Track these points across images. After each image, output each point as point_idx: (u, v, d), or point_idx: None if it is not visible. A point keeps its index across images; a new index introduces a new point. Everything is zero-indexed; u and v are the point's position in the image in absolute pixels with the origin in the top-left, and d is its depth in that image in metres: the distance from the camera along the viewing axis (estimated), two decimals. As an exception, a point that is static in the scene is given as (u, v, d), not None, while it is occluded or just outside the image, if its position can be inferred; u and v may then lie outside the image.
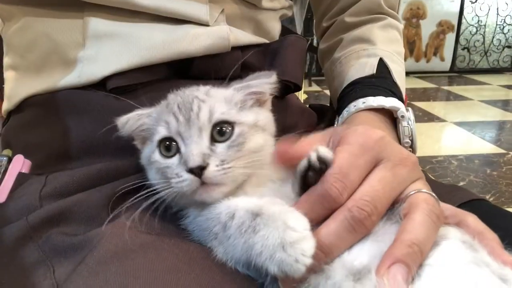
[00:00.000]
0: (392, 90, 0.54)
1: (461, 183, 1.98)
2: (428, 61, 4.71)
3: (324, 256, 0.29)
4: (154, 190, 0.34)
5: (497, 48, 4.76)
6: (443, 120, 3.02)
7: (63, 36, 0.44)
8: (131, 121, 0.37)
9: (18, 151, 0.45)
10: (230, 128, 0.35)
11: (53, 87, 0.44)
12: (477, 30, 4.68)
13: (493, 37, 4.71)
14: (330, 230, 0.30)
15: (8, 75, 0.49)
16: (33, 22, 0.45)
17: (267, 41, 0.55)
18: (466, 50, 4.75)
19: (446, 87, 4.19)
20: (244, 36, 0.50)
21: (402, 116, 0.49)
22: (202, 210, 0.33)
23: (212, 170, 0.32)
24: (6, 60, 0.50)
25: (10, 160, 0.42)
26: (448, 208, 0.34)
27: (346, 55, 0.61)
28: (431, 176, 0.54)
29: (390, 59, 0.58)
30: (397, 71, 0.58)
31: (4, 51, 0.51)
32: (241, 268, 0.31)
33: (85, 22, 0.43)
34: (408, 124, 0.49)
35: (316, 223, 0.30)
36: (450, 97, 3.82)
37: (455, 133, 2.78)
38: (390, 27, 0.64)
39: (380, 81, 0.55)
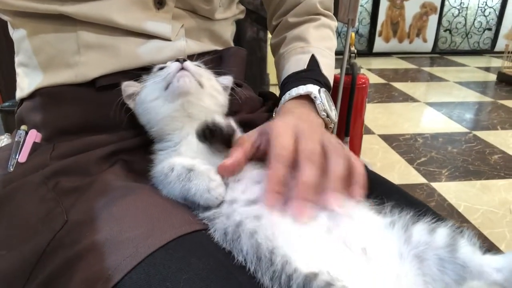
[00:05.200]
0: (317, 79, 0.69)
1: (422, 159, 2.17)
2: (411, 42, 4.84)
3: (311, 189, 0.43)
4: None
5: (478, 30, 4.90)
6: (417, 101, 3.19)
7: (63, 44, 0.58)
8: (131, 87, 0.58)
9: (29, 128, 0.61)
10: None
11: (56, 83, 0.59)
12: (459, 12, 4.81)
13: (475, 19, 4.84)
14: (303, 171, 0.44)
15: (19, 70, 0.64)
16: (38, 32, 0.59)
17: (218, 48, 0.71)
18: (448, 31, 4.88)
19: (426, 68, 4.34)
20: (198, 47, 0.66)
21: (315, 97, 0.64)
22: (157, 166, 0.51)
23: (189, 62, 0.54)
24: (17, 58, 0.65)
25: (26, 133, 0.58)
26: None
27: (287, 51, 0.77)
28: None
29: (320, 54, 0.74)
30: (326, 63, 0.73)
31: (15, 51, 0.67)
32: (182, 201, 0.48)
33: (78, 35, 0.57)
34: (320, 102, 0.63)
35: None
36: (429, 78, 3.97)
37: (425, 113, 2.94)
38: (324, 26, 0.79)
39: (309, 73, 0.70)
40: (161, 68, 0.56)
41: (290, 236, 0.39)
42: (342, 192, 0.44)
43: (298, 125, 0.50)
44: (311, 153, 0.46)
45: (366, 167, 0.65)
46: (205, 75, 0.57)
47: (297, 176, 0.44)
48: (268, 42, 2.31)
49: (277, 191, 0.44)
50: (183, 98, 0.53)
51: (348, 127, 1.71)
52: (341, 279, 0.34)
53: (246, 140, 0.51)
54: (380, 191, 0.49)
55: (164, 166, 0.48)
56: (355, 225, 0.41)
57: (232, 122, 0.50)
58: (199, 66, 0.58)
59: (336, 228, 0.41)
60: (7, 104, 1.24)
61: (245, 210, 0.42)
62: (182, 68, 0.53)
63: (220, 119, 0.49)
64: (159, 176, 0.48)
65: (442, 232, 0.38)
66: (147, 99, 0.55)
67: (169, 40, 0.62)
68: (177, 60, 0.54)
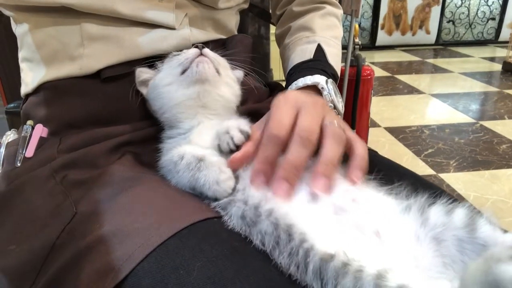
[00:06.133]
0: (324, 69, 0.67)
1: (429, 150, 2.16)
2: (414, 34, 4.81)
3: (295, 170, 0.43)
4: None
5: (481, 21, 4.85)
6: (422, 92, 3.17)
7: (67, 37, 0.57)
8: (145, 73, 0.58)
9: (35, 123, 0.61)
10: None
11: (61, 76, 0.58)
12: (462, 3, 4.76)
13: (478, 9, 4.79)
14: (292, 151, 0.44)
15: (23, 65, 0.64)
16: (42, 26, 0.59)
17: (223, 37, 0.70)
18: (451, 22, 4.84)
19: (430, 60, 4.31)
20: (203, 35, 0.65)
21: (322, 88, 0.62)
22: (165, 155, 0.50)
23: (208, 50, 0.53)
24: (21, 54, 0.65)
25: (32, 128, 0.58)
26: (353, 138, 0.49)
27: (293, 41, 0.76)
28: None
29: (326, 44, 0.72)
30: (332, 53, 0.72)
31: (18, 46, 0.66)
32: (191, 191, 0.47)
33: (82, 27, 0.57)
34: (328, 93, 0.62)
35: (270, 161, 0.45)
36: (433, 69, 3.94)
37: (431, 105, 2.93)
38: (329, 15, 0.78)
39: (316, 63, 0.69)
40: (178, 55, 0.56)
41: (304, 217, 0.39)
42: (333, 175, 0.44)
43: (300, 98, 0.49)
44: (307, 131, 0.45)
45: (377, 153, 0.65)
46: (222, 63, 0.56)
47: (286, 155, 0.44)
48: (271, 38, 2.31)
49: (264, 170, 0.44)
50: (200, 86, 0.52)
51: (354, 120, 1.69)
52: (357, 260, 0.33)
53: (255, 131, 0.50)
54: (394, 176, 0.48)
55: (174, 155, 0.47)
56: (366, 208, 0.40)
57: (246, 126, 0.48)
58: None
59: (347, 211, 0.40)
60: (12, 105, 1.25)
61: (256, 193, 0.42)
62: (201, 54, 0.53)
63: (244, 126, 0.47)
64: (167, 166, 0.48)
65: (460, 213, 0.37)
66: (162, 83, 0.54)
67: (173, 28, 0.61)
68: (196, 47, 0.53)
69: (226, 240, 0.40)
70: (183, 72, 0.53)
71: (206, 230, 0.41)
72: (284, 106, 0.47)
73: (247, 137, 0.47)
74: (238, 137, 0.46)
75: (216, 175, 0.44)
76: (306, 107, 0.47)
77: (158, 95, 0.54)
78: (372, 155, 0.62)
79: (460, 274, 0.30)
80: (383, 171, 0.50)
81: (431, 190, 0.45)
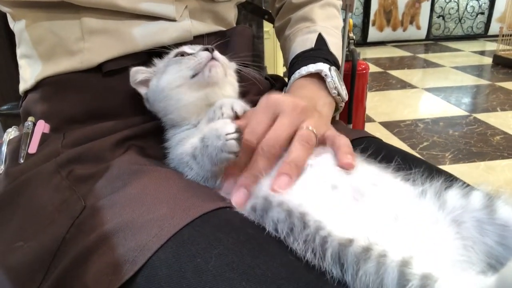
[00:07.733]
0: (326, 57, 0.67)
1: (425, 144, 2.17)
2: (404, 30, 4.83)
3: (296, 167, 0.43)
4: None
5: (470, 15, 4.89)
6: (415, 87, 3.19)
7: (66, 32, 0.56)
8: (141, 73, 0.56)
9: (36, 119, 0.59)
10: None
11: (61, 71, 0.57)
12: (451, -2, 4.81)
13: (467, 4, 4.84)
14: (255, 164, 0.45)
15: (22, 62, 0.62)
16: (40, 22, 0.57)
17: (223, 29, 0.69)
18: (441, 17, 4.88)
19: (421, 55, 4.34)
20: (204, 27, 0.64)
21: (326, 75, 0.62)
22: (176, 150, 0.49)
23: (217, 52, 0.53)
24: (19, 50, 0.63)
25: (34, 124, 0.57)
26: (331, 134, 0.49)
27: (293, 32, 0.75)
28: (343, 123, 0.72)
29: (327, 33, 0.72)
30: (333, 42, 0.71)
31: (16, 43, 0.65)
32: (202, 182, 0.47)
33: (81, 21, 0.55)
34: (331, 79, 0.62)
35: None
36: (425, 64, 3.97)
37: (424, 99, 2.94)
38: (328, 5, 0.78)
39: (317, 52, 0.69)
40: (181, 54, 0.54)
41: (319, 205, 0.38)
42: (296, 175, 0.44)
43: (282, 102, 0.49)
44: (273, 140, 0.46)
45: (381, 141, 0.65)
46: (229, 64, 0.56)
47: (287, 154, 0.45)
48: (265, 37, 2.30)
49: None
50: (210, 89, 0.52)
51: (351, 114, 1.69)
52: (380, 244, 0.33)
53: (249, 115, 0.50)
54: (406, 162, 0.48)
55: (187, 147, 0.46)
56: (385, 192, 0.40)
57: (239, 106, 0.50)
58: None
59: (366, 196, 0.39)
60: (5, 107, 1.22)
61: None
62: (212, 58, 0.52)
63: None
64: (183, 158, 0.47)
65: (478, 195, 0.37)
66: (170, 86, 0.53)
67: (173, 20, 0.60)
68: (206, 49, 0.53)
69: (240, 227, 0.39)
70: (194, 75, 0.52)
71: (219, 219, 0.40)
72: (263, 111, 0.48)
73: (235, 114, 0.50)
74: (227, 114, 0.50)
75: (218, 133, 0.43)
76: (284, 114, 0.48)
77: (165, 97, 0.53)
78: (379, 142, 0.62)
79: (499, 272, 0.29)
80: (392, 157, 0.50)
81: (444, 175, 0.44)
